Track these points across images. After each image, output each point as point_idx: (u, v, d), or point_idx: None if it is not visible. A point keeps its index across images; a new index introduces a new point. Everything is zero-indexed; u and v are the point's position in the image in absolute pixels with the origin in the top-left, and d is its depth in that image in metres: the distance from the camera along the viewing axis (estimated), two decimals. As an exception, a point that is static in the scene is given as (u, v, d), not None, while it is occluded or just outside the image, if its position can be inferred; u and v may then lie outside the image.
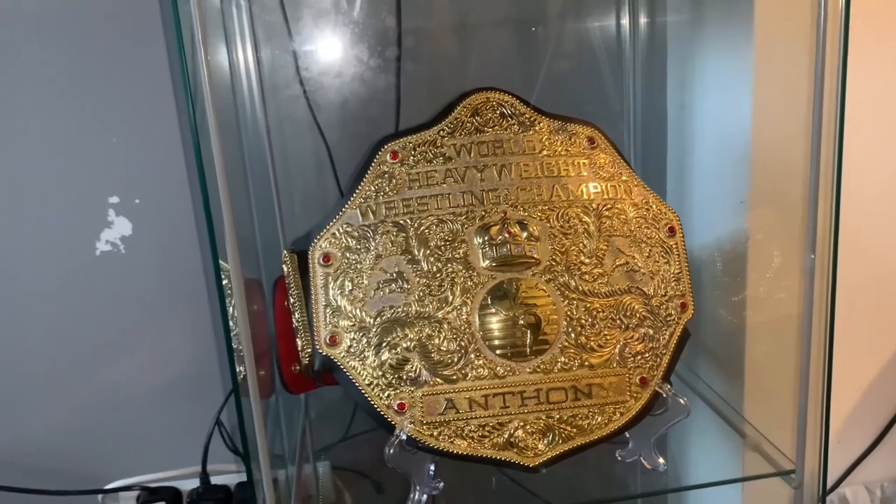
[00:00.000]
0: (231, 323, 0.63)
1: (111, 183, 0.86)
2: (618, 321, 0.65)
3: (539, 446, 0.62)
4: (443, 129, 0.66)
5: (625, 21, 0.90)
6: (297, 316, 0.66)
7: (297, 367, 0.69)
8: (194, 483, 0.91)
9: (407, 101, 0.87)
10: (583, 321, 0.64)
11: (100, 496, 0.93)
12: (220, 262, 0.61)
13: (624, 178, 0.68)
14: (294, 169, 0.88)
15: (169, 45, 0.83)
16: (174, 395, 0.92)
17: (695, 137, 0.87)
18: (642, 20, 0.90)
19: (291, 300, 0.67)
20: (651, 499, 0.84)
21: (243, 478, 0.89)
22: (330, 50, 0.85)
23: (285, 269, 0.68)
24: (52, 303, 0.88)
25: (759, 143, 0.76)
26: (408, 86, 0.87)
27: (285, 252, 0.68)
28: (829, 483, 0.87)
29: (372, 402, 0.62)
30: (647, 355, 0.65)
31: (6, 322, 0.88)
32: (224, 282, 0.62)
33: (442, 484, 0.63)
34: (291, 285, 0.67)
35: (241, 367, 0.63)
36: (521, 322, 0.63)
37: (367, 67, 0.86)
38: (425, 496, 0.62)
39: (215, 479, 0.91)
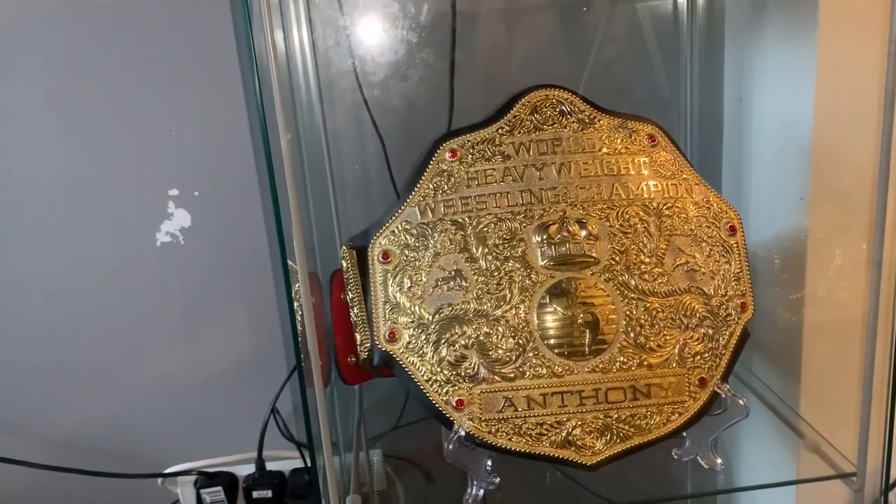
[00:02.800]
0: (297, 317, 0.64)
1: (171, 175, 0.89)
2: (677, 321, 0.64)
3: (597, 445, 0.62)
4: (501, 128, 0.66)
5: (682, 1, 0.89)
6: (355, 311, 0.67)
7: (353, 359, 0.70)
8: (250, 469, 0.93)
9: (459, 94, 0.87)
10: (642, 321, 0.64)
11: (159, 480, 0.96)
12: (288, 261, 0.62)
13: (685, 176, 0.67)
14: (347, 165, 0.89)
15: (238, 37, 0.83)
16: (231, 384, 0.95)
17: (752, 131, 0.86)
18: (700, 2, 0.89)
19: (350, 295, 0.68)
20: (704, 500, 0.84)
21: (298, 464, 0.91)
22: (384, 46, 0.86)
23: (344, 264, 0.69)
24: (114, 292, 0.91)
25: (821, 138, 0.74)
26: (460, 78, 0.87)
27: (344, 248, 0.69)
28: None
29: (430, 398, 0.63)
30: (706, 355, 0.65)
31: (72, 311, 0.91)
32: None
33: (498, 479, 0.64)
34: (350, 280, 0.68)
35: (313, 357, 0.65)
36: (580, 321, 0.63)
37: (419, 63, 0.87)
38: (482, 491, 0.63)
39: (270, 466, 0.93)
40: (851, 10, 0.70)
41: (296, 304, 0.64)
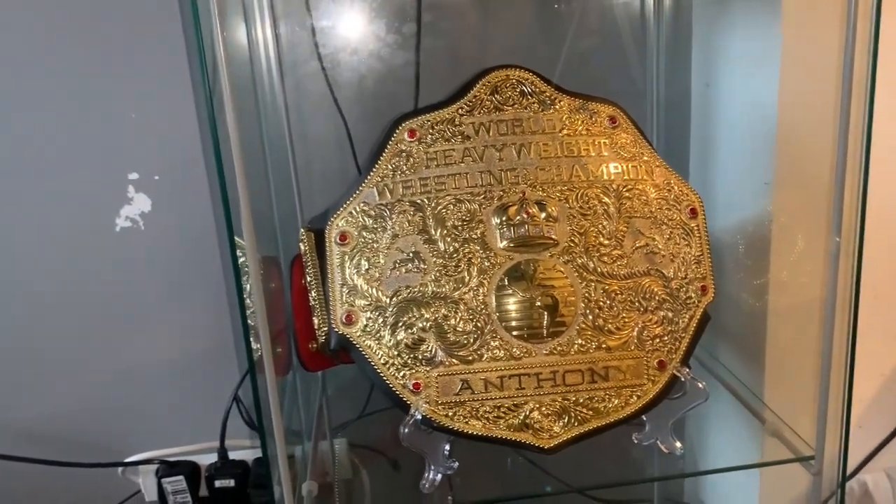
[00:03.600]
0: (247, 300, 0.63)
1: (131, 159, 0.87)
2: (636, 304, 0.64)
3: (555, 428, 0.62)
4: (461, 108, 0.66)
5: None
6: (313, 294, 0.66)
7: (314, 345, 0.69)
8: (212, 458, 0.92)
9: (426, 78, 0.86)
10: (601, 303, 0.63)
11: (120, 469, 0.94)
12: (236, 238, 0.61)
13: (646, 158, 0.67)
14: (313, 146, 0.87)
15: (185, 19, 0.82)
16: (194, 371, 0.93)
17: (719, 117, 0.85)
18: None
19: (308, 278, 0.67)
20: (669, 483, 0.84)
21: (261, 453, 0.90)
22: (348, 26, 0.84)
23: (302, 247, 0.67)
24: (73, 279, 0.89)
25: (786, 124, 0.74)
26: (427, 62, 0.86)
27: (302, 230, 0.68)
28: (851, 468, 0.86)
29: (387, 382, 0.62)
30: (665, 338, 0.64)
31: (28, 299, 0.89)
32: (241, 259, 0.62)
33: (457, 463, 0.63)
34: (308, 263, 0.67)
35: (258, 344, 0.64)
36: (539, 303, 0.63)
37: (385, 43, 0.85)
38: (440, 475, 0.62)
39: (233, 454, 0.92)
40: (815, -3, 0.70)
41: (260, 288, 0.63)
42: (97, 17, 0.82)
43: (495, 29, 0.89)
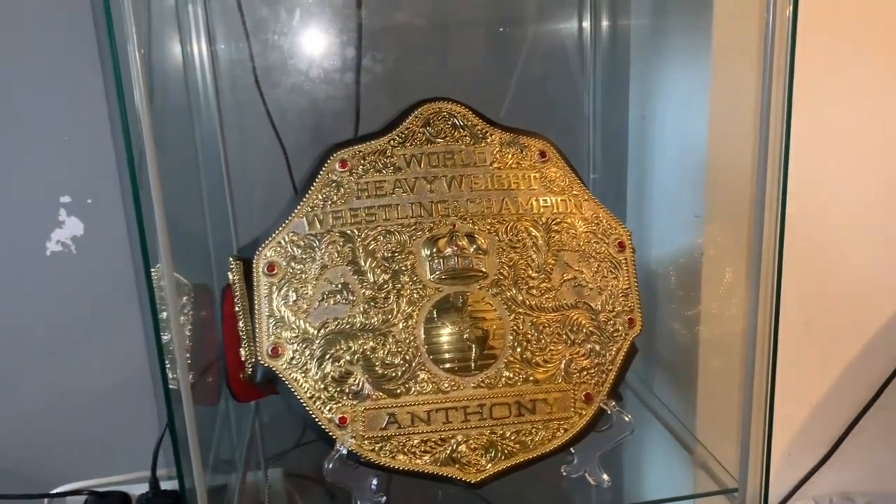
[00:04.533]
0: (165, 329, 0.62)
1: (63, 182, 0.85)
2: (564, 336, 0.64)
3: (482, 462, 0.61)
4: (393, 139, 0.66)
5: (586, 25, 0.90)
6: (241, 325, 0.65)
7: (244, 375, 0.68)
8: (143, 488, 0.90)
9: (367, 105, 0.86)
10: (529, 336, 0.63)
11: (46, 500, 0.91)
12: (156, 265, 0.60)
13: (575, 192, 0.67)
14: (252, 174, 0.87)
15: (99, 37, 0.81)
16: (125, 398, 0.91)
17: (655, 149, 0.87)
18: (604, 24, 0.90)
19: (237, 308, 0.66)
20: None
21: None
22: (289, 50, 0.84)
23: (231, 276, 0.66)
24: (1, 303, 0.87)
25: (714, 157, 0.76)
26: (369, 89, 0.86)
27: (231, 259, 0.67)
28: (779, 497, 0.88)
29: (313, 416, 0.61)
30: (592, 371, 0.65)
31: (-47, 322, 0.87)
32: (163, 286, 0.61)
33: (384, 498, 0.62)
34: (237, 293, 0.66)
35: (181, 375, 0.63)
36: (467, 336, 0.63)
37: (327, 69, 0.85)
38: (366, 511, 0.62)
39: (165, 485, 0.90)
40: (740, 35, 0.72)
41: (178, 316, 0.62)
42: (26, 36, 0.80)
43: (437, 55, 0.90)
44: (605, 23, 0.89)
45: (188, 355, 0.66)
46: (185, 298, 0.72)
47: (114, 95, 0.82)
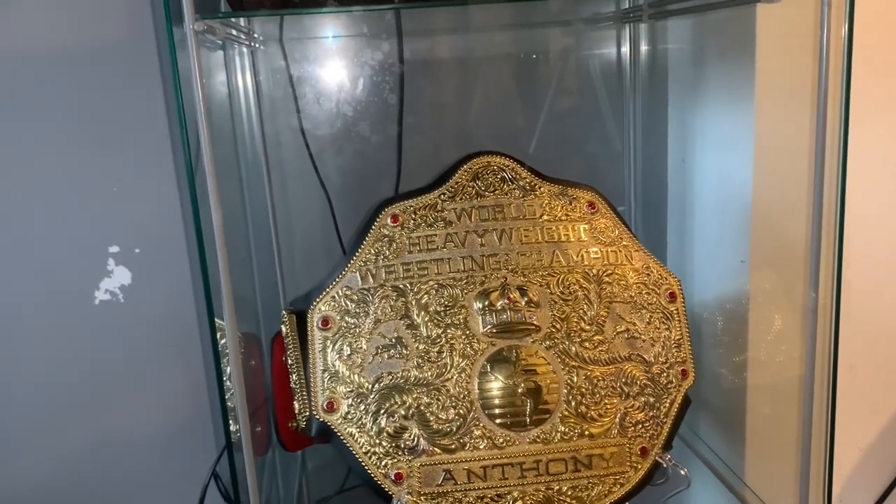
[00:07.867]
0: (226, 381, 0.62)
1: (111, 232, 0.86)
2: (618, 389, 0.64)
3: (538, 517, 0.61)
4: (443, 193, 0.66)
5: (626, 57, 0.90)
6: (294, 378, 0.65)
7: (294, 425, 0.69)
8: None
9: (411, 149, 0.87)
10: (583, 389, 0.63)
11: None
12: (217, 320, 0.61)
13: (625, 242, 0.68)
14: (297, 226, 0.88)
15: (168, 97, 0.83)
16: (172, 445, 0.92)
17: (695, 193, 0.87)
18: (643, 60, 0.90)
19: (289, 360, 0.67)
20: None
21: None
22: (331, 87, 0.85)
23: (284, 329, 0.67)
24: (51, 351, 0.88)
25: (760, 203, 0.75)
26: (412, 133, 0.87)
27: (284, 312, 0.68)
28: (832, 544, 0.86)
29: (369, 471, 0.61)
30: (647, 424, 0.64)
31: (6, 368, 0.88)
32: (220, 339, 0.62)
33: (440, 553, 0.62)
34: (290, 346, 0.67)
35: (237, 425, 0.63)
36: (521, 390, 0.63)
37: (368, 121, 0.87)
38: (422, 566, 0.62)
39: (210, 533, 0.90)
40: (787, 75, 0.72)
41: (240, 370, 0.63)
42: (80, 91, 0.82)
43: (478, 98, 0.91)
44: (642, 65, 0.90)
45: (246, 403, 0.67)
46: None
47: (163, 150, 0.84)
